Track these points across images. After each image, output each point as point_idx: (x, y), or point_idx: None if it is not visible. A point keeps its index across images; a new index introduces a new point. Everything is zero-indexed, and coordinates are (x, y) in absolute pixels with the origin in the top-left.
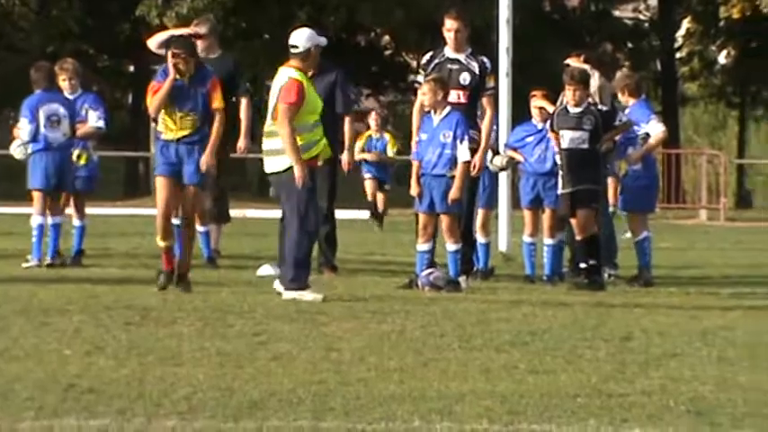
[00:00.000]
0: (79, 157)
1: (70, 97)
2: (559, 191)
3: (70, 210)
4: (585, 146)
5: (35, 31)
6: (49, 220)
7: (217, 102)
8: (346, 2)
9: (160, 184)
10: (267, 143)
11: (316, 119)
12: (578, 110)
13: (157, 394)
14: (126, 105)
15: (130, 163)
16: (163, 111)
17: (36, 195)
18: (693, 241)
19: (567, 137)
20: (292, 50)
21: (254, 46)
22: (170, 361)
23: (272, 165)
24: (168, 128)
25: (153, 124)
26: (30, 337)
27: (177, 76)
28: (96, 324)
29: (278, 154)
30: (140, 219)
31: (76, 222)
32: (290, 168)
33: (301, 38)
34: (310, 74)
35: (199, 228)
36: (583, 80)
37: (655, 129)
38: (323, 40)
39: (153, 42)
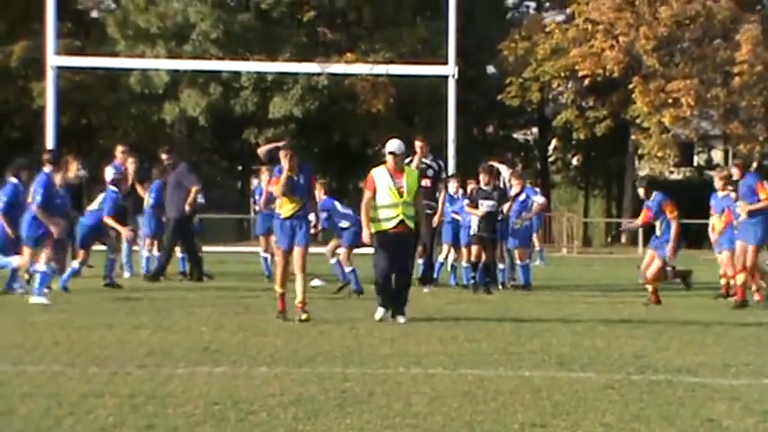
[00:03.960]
0: None
1: None
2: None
3: None
4: (494, 209)
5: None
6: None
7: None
8: (363, 132)
9: (282, 254)
10: None
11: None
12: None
13: (254, 353)
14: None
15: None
16: (286, 199)
17: None
18: (558, 265)
19: (486, 203)
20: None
21: None
22: (260, 334)
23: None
24: (285, 209)
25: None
26: (182, 320)
27: (289, 172)
28: (220, 313)
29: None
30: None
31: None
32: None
33: (393, 145)
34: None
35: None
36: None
37: (540, 199)
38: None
39: (261, 151)
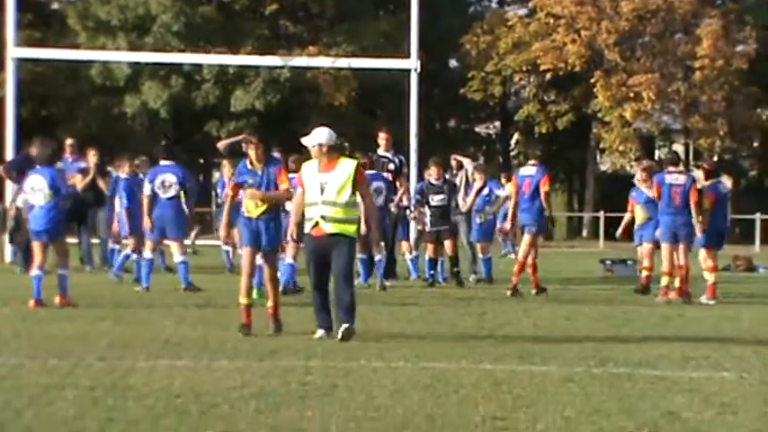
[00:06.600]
0: None
1: None
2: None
3: None
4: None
5: None
6: None
7: (284, 183)
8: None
9: (245, 253)
10: None
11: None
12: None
13: (215, 346)
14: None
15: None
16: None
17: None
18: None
19: (437, 198)
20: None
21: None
22: (222, 327)
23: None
24: (248, 209)
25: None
26: (142, 313)
27: (250, 165)
28: (181, 306)
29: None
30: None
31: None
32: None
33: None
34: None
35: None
36: (462, 166)
37: (503, 193)
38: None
39: (221, 145)
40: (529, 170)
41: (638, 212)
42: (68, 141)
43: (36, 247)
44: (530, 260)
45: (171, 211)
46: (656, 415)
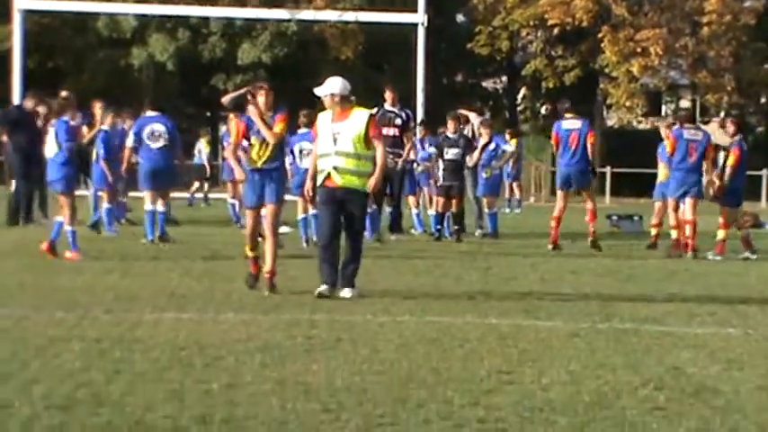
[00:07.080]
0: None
1: None
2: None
3: None
4: (459, 157)
5: None
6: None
7: (276, 127)
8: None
9: (249, 213)
10: None
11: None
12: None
13: (221, 298)
14: None
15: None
16: (253, 144)
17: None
18: (528, 214)
19: (451, 151)
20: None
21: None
22: (228, 280)
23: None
24: (252, 160)
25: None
26: (149, 265)
27: (259, 107)
28: (187, 259)
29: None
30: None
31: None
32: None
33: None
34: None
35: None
36: (468, 120)
37: (510, 148)
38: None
39: (225, 100)
40: (573, 123)
41: (662, 169)
42: (63, 94)
43: (59, 201)
44: (556, 213)
45: (162, 162)
46: (661, 370)
